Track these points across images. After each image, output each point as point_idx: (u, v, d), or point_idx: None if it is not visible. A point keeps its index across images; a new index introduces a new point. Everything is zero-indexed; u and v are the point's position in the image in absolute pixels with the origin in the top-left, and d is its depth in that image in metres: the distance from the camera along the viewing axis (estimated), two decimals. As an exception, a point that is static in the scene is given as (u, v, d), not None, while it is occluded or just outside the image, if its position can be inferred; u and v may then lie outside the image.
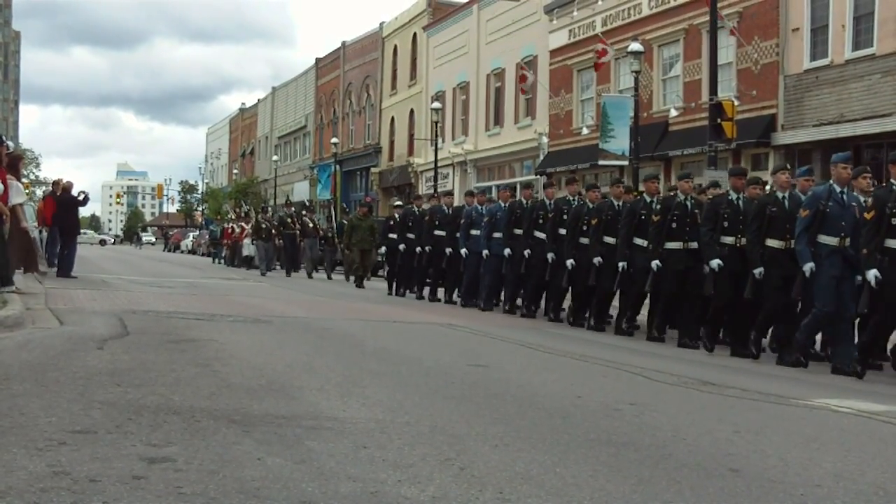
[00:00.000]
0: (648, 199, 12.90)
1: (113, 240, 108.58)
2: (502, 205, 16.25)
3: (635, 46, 25.53)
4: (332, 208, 40.62)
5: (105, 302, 13.13)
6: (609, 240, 13.33)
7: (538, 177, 31.24)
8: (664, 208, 12.20)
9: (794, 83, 24.38)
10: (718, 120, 19.70)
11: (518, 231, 15.38)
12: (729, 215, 11.21)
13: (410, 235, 19.51)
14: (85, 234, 77.80)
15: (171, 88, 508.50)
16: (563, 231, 14.23)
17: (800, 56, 24.21)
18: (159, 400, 5.69)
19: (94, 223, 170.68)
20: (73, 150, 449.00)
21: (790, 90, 24.52)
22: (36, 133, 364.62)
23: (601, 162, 28.53)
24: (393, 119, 50.18)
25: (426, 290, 19.38)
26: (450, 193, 19.48)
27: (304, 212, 32.82)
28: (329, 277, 27.81)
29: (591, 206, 13.84)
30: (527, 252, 15.00)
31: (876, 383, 9.03)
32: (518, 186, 21.45)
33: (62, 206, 19.54)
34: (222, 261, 39.87)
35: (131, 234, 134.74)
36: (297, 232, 28.88)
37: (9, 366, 6.74)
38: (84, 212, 25.86)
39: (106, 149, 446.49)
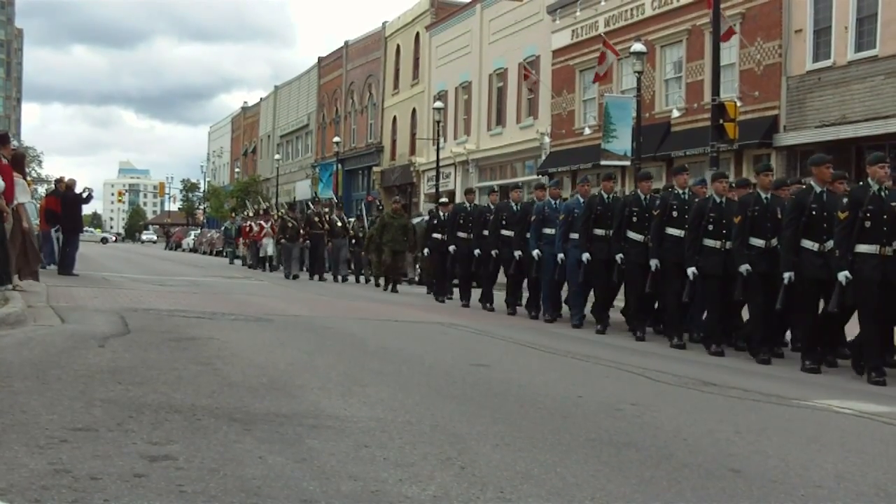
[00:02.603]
0: (718, 200, 11.46)
1: (115, 238, 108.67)
2: (580, 200, 14.02)
3: (638, 47, 25.52)
4: (364, 206, 36.28)
5: (106, 300, 13.13)
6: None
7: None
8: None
9: (797, 84, 24.36)
10: (721, 121, 19.68)
11: (600, 231, 13.19)
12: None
13: (462, 235, 17.37)
14: (89, 231, 77.87)
15: (171, 87, 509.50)
16: (675, 231, 11.83)
17: (802, 57, 24.19)
18: (160, 398, 5.69)
19: (96, 221, 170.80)
20: (75, 148, 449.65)
21: (793, 91, 24.50)
22: (37, 131, 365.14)
23: (603, 162, 28.48)
24: (395, 118, 50.19)
25: (458, 296, 17.58)
26: (518, 187, 17.49)
27: (332, 209, 28.96)
28: (357, 281, 25.41)
29: (718, 200, 11.46)
30: (619, 257, 12.72)
31: (876, 384, 9.00)
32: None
33: (65, 203, 19.55)
34: (238, 261, 37.20)
35: (133, 232, 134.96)
36: (325, 232, 25.67)
37: (10, 363, 6.75)
38: (86, 209, 25.76)
39: (107, 147, 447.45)
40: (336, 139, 51.72)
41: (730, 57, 25.72)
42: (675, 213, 11.87)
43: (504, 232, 15.60)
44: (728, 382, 8.20)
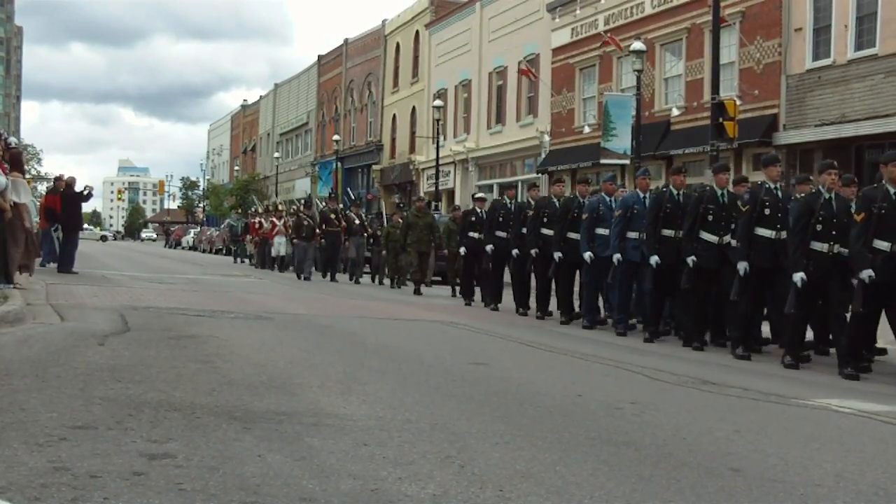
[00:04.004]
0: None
1: (114, 236, 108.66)
2: (640, 195, 12.64)
3: (637, 45, 25.53)
4: (381, 203, 34.99)
5: (106, 298, 13.13)
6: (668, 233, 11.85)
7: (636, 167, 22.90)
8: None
9: (797, 83, 24.36)
10: (720, 119, 19.70)
11: (668, 232, 11.82)
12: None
13: (501, 234, 15.99)
14: (89, 229, 77.85)
15: (169, 85, 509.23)
16: (766, 232, 10.43)
17: (802, 56, 24.19)
18: (160, 396, 5.69)
19: (96, 219, 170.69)
20: (74, 146, 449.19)
21: (792, 90, 24.50)
22: (36, 129, 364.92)
23: (603, 161, 28.54)
24: (395, 116, 50.19)
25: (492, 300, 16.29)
26: (559, 181, 15.84)
27: (350, 206, 27.51)
28: (381, 283, 23.94)
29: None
30: (691, 259, 11.33)
31: (877, 383, 9.02)
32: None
33: (65, 201, 19.54)
34: (244, 260, 35.72)
35: (132, 230, 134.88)
36: (342, 230, 24.42)
37: (9, 361, 6.75)
38: (85, 207, 25.69)
39: (106, 145, 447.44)
40: (336, 137, 51.76)
41: (729, 55, 25.73)
42: (767, 211, 10.42)
43: (545, 230, 14.37)
44: (727, 381, 8.20)
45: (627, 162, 26.68)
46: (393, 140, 50.40)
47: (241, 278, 23.14)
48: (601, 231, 12.96)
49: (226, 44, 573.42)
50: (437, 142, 37.68)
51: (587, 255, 12.97)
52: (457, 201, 37.39)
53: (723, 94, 20.91)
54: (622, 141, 27.65)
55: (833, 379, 9.19)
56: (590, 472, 4.48)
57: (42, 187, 59.00)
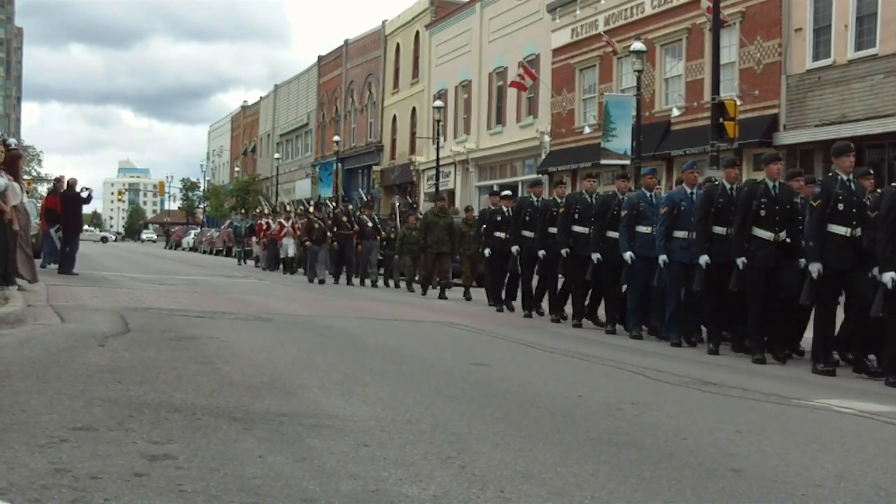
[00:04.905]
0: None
1: (114, 237, 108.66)
2: (688, 191, 11.75)
3: (638, 46, 25.54)
4: (396, 203, 34.09)
5: (106, 299, 13.13)
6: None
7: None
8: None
9: (797, 83, 24.36)
10: (720, 119, 19.70)
11: (720, 229, 10.97)
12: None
13: (527, 233, 15.05)
14: (89, 231, 77.87)
15: (168, 87, 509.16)
16: (842, 230, 9.50)
17: (802, 56, 24.20)
18: (160, 397, 5.69)
19: (96, 220, 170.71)
20: (74, 147, 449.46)
21: (792, 90, 24.51)
22: (36, 130, 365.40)
23: (603, 161, 28.56)
24: (395, 117, 50.21)
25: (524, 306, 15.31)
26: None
27: (362, 208, 26.05)
28: (386, 285, 23.36)
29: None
30: (741, 261, 10.35)
31: (878, 384, 9.01)
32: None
33: (66, 203, 19.54)
34: (249, 262, 34.76)
35: (133, 231, 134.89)
36: (355, 233, 23.37)
37: (10, 363, 6.75)
38: (86, 209, 25.62)
39: (106, 146, 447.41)
40: (336, 138, 51.80)
41: (729, 56, 25.75)
42: (841, 207, 9.52)
43: (576, 228, 13.51)
44: (728, 382, 8.19)
45: (628, 162, 26.67)
46: (393, 141, 50.42)
47: (241, 279, 23.14)
48: (642, 229, 12.16)
49: (224, 45, 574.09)
50: (438, 142, 37.69)
51: (627, 254, 12.13)
52: (457, 203, 37.39)
53: (723, 95, 20.91)
54: (622, 141, 27.67)
55: (834, 380, 9.18)
56: (590, 472, 4.47)
57: (42, 188, 58.91)
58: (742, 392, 7.62)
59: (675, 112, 28.23)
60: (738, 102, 21.26)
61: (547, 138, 34.88)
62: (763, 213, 10.31)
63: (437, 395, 6.48)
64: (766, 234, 10.30)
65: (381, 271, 24.14)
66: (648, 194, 12.42)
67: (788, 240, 10.27)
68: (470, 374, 7.75)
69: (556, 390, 7.17)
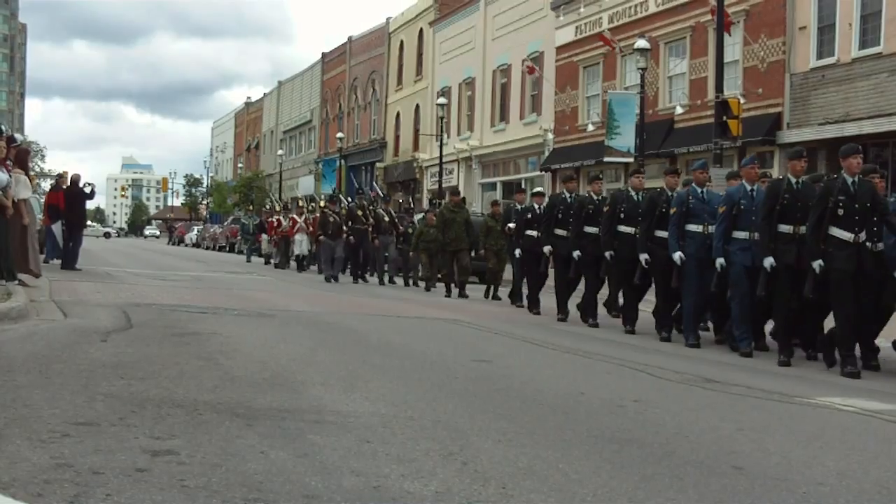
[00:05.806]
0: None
1: (117, 233, 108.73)
2: (747, 187, 10.77)
3: (642, 43, 25.51)
4: (411, 198, 32.39)
5: (109, 294, 13.14)
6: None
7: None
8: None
9: (801, 81, 24.33)
10: (724, 118, 19.71)
11: (785, 228, 10.02)
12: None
13: (561, 232, 14.16)
14: (92, 226, 77.94)
15: (171, 83, 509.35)
16: (846, 236, 9.25)
17: (806, 54, 24.16)
18: (163, 393, 5.70)
19: (99, 216, 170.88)
20: (77, 143, 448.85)
21: (796, 88, 24.47)
22: (39, 126, 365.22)
23: (606, 159, 28.57)
24: (398, 114, 50.21)
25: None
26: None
27: (378, 202, 25.14)
28: (406, 284, 22.24)
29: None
30: (818, 263, 9.38)
31: (879, 381, 9.00)
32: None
33: (69, 198, 19.57)
34: (259, 258, 33.36)
35: (136, 227, 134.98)
36: (370, 228, 22.54)
37: (13, 357, 6.76)
38: (89, 205, 25.58)
39: (109, 142, 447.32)
40: (339, 135, 51.80)
41: (733, 54, 25.71)
42: (841, 212, 9.28)
43: (622, 228, 12.63)
44: (730, 380, 8.19)
45: (631, 160, 26.67)
46: (397, 138, 50.42)
47: (244, 275, 23.14)
48: (693, 228, 11.31)
49: (227, 41, 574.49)
50: (441, 140, 37.67)
51: (677, 255, 11.24)
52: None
53: (726, 93, 20.91)
54: (626, 139, 27.66)
55: (836, 378, 9.17)
56: (592, 469, 4.47)
57: (46, 184, 58.96)
58: (744, 390, 7.61)
59: (679, 110, 28.19)
60: (742, 100, 21.28)
61: (550, 136, 34.86)
62: (841, 211, 9.33)
63: (439, 392, 6.48)
64: (846, 236, 9.33)
65: (388, 268, 23.26)
66: (699, 190, 11.46)
67: (870, 243, 9.41)
68: (472, 370, 7.75)
69: (559, 387, 7.17)
